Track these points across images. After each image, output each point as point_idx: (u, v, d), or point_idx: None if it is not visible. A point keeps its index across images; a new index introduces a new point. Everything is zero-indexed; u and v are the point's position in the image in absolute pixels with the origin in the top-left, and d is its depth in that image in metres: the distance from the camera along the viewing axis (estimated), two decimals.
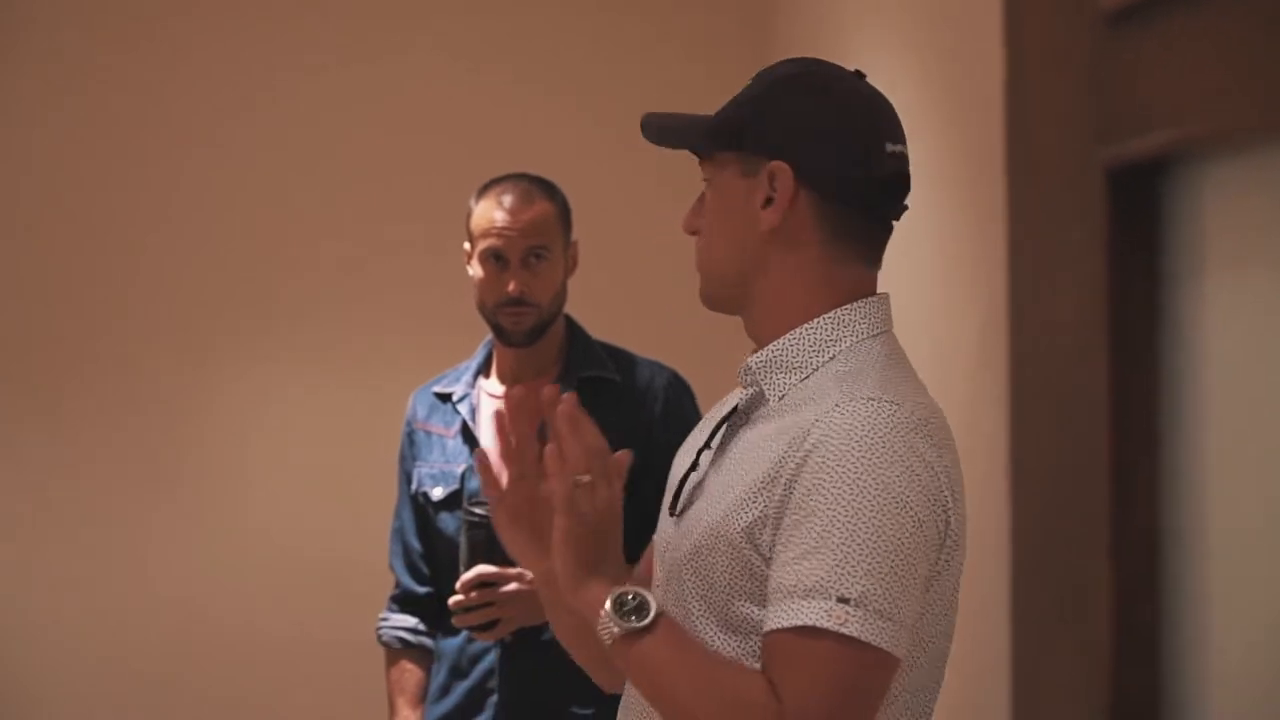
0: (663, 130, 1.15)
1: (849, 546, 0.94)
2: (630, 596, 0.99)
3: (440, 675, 1.91)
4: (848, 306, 1.05)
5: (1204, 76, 0.86)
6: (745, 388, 1.11)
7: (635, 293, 2.89)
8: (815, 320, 1.05)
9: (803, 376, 1.04)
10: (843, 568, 0.94)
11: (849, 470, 0.95)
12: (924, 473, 0.95)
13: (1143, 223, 0.92)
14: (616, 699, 1.11)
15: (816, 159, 1.03)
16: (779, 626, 0.94)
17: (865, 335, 1.05)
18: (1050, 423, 1.06)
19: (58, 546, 2.92)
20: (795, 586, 0.95)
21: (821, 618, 0.92)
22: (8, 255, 2.95)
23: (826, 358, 1.04)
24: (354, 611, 2.49)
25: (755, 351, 1.10)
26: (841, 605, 0.93)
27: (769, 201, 1.02)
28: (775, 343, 1.08)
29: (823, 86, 1.08)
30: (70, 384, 2.96)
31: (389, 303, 2.98)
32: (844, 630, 0.92)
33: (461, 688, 1.91)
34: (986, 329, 1.28)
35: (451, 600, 1.75)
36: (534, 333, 1.89)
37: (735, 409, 1.12)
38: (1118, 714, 0.93)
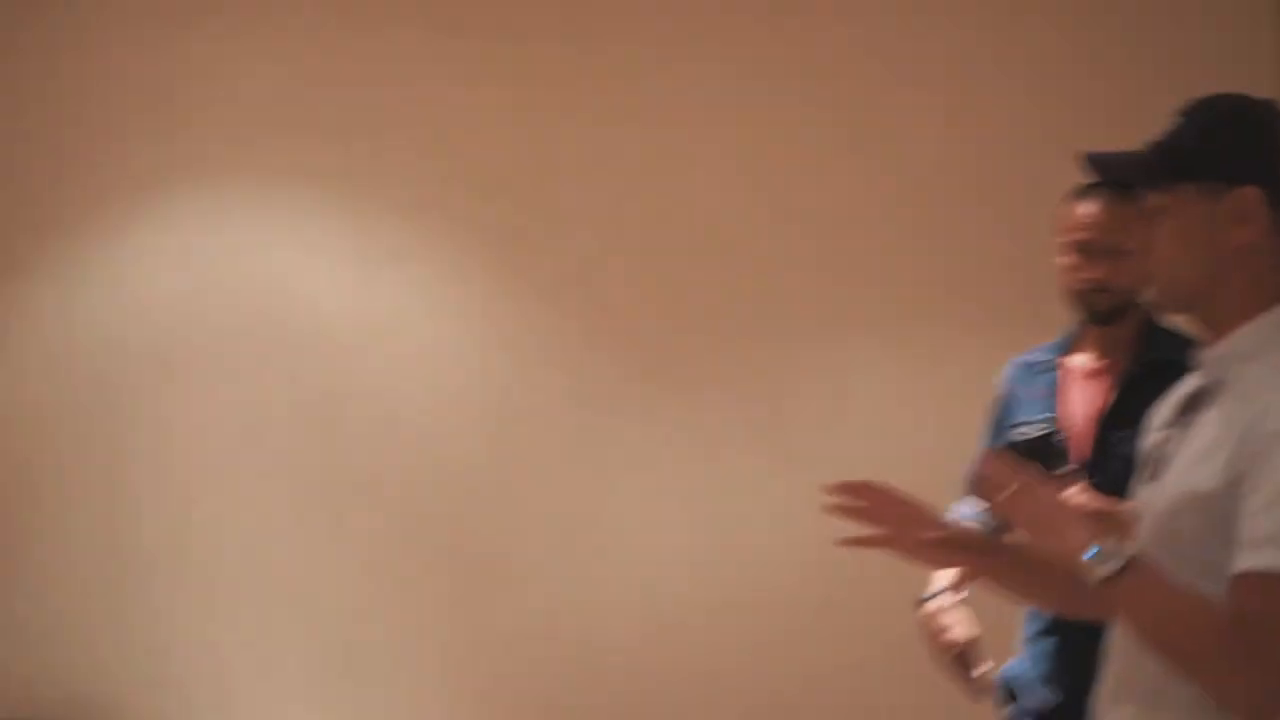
0: (1116, 168, 1.48)
1: None
2: (1106, 547, 1.28)
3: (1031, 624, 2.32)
4: None
5: None
6: (1205, 374, 1.41)
7: None
8: (1271, 311, 1.31)
9: (1261, 361, 1.30)
10: None
11: None
12: None
13: None
14: None
15: (1276, 179, 1.31)
16: (1239, 570, 1.23)
17: None
18: None
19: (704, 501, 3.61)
20: (1255, 537, 1.22)
21: (1269, 558, 1.20)
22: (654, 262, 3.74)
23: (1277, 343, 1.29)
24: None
25: (1212, 343, 1.38)
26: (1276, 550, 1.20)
27: (1239, 221, 1.30)
28: (1234, 335, 1.37)
29: (1266, 118, 1.36)
30: (707, 372, 3.68)
31: (975, 283, 3.48)
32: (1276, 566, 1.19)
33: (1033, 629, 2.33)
34: None
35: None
36: (1111, 314, 2.29)
37: (1196, 392, 1.41)
38: None
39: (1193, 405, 1.41)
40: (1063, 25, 3.45)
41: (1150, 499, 1.39)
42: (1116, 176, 1.54)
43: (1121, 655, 1.41)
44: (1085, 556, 1.29)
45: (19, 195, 3.96)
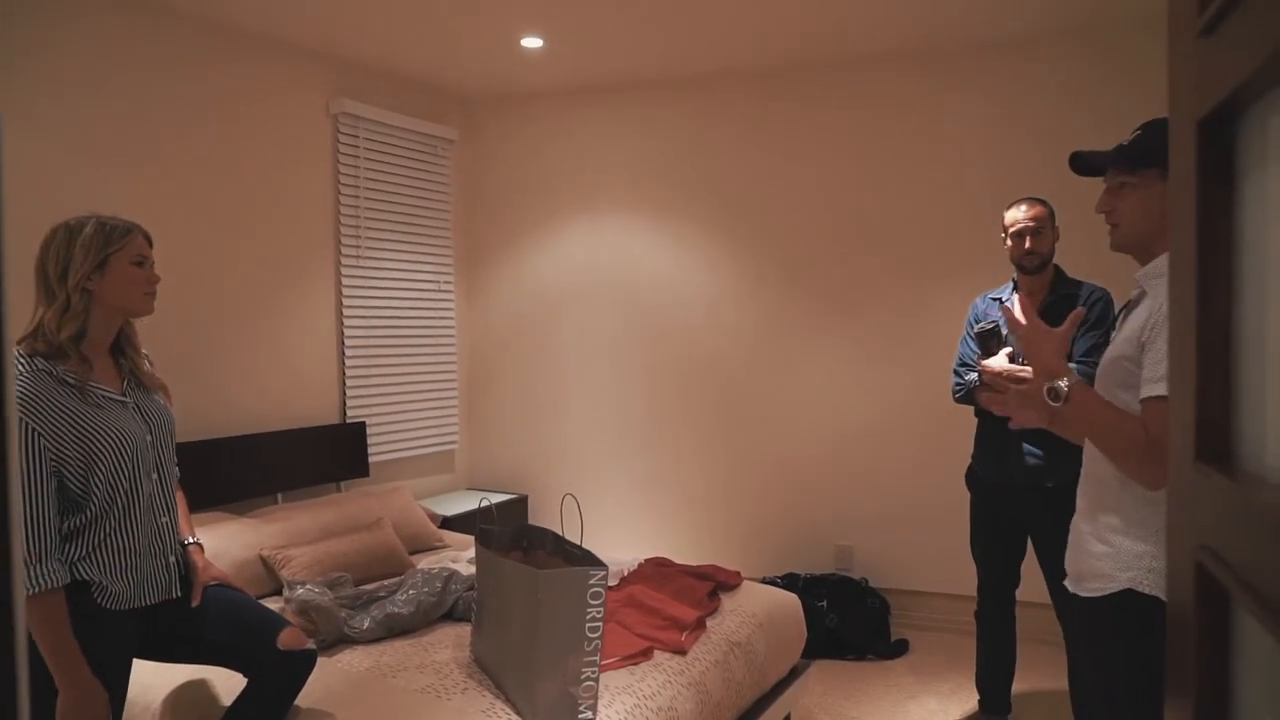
0: (1094, 161, 1.89)
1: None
2: (1059, 384, 1.79)
3: None
4: None
5: None
6: (1135, 287, 1.83)
7: (1077, 249, 3.99)
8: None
9: (1166, 278, 1.52)
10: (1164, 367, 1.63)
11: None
12: None
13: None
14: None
15: None
16: (1144, 396, 1.70)
17: None
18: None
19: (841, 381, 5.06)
20: (1151, 377, 1.67)
21: (1159, 390, 1.66)
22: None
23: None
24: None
25: (1142, 268, 1.83)
26: (1163, 383, 1.59)
27: None
28: (1152, 263, 1.77)
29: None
30: (864, 300, 4.99)
31: (969, 255, 4.77)
32: (1162, 393, 1.67)
33: None
34: None
35: (984, 375, 3.05)
36: (1036, 269, 3.23)
37: (1129, 302, 1.87)
38: None
39: (1128, 307, 1.85)
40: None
41: (1104, 358, 1.86)
42: (1097, 164, 1.84)
43: (1088, 461, 1.90)
44: (1044, 390, 1.77)
45: (499, 221, 5.67)
